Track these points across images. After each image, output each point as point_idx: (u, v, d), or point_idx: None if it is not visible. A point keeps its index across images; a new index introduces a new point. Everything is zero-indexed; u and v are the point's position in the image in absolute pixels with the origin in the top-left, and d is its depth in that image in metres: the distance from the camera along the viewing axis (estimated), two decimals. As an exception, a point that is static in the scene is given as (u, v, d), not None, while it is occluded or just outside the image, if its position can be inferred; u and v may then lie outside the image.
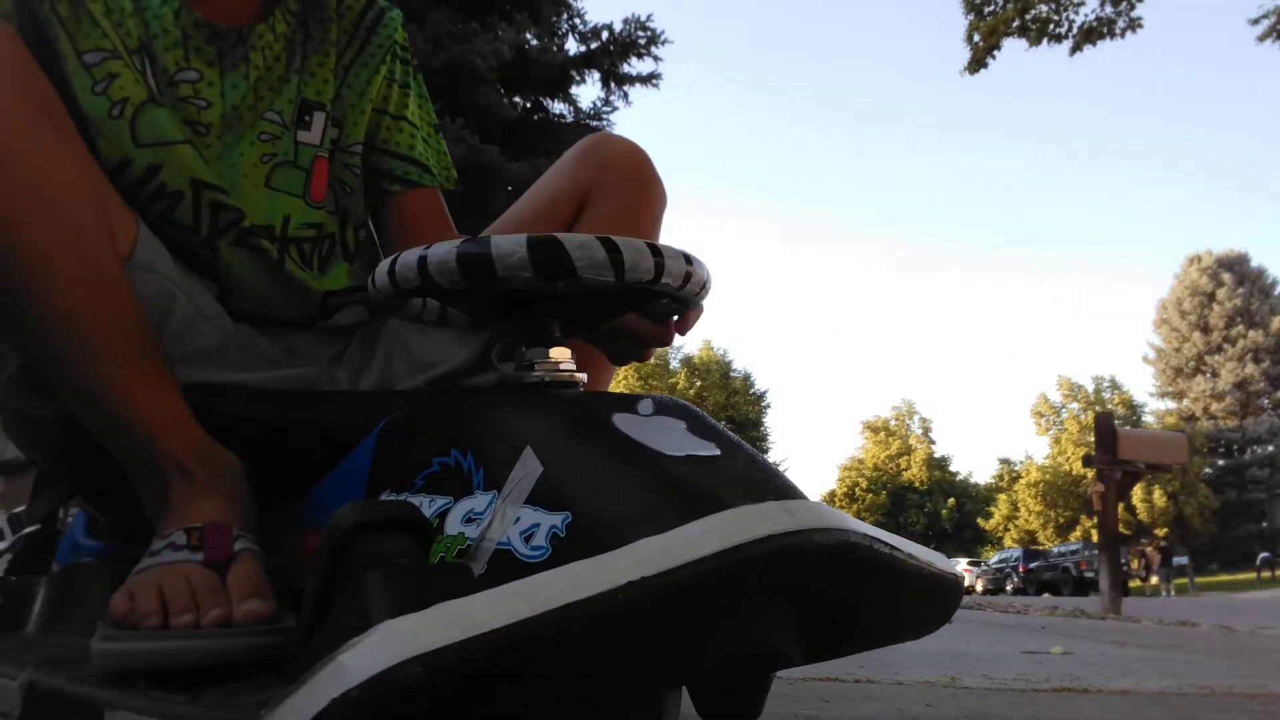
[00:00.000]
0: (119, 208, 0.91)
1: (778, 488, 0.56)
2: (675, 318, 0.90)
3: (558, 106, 8.74)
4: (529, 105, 8.50)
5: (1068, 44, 9.93)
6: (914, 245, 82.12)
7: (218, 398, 0.90)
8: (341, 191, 1.10)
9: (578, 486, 0.58)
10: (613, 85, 8.70)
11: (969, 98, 78.59)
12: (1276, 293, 37.81)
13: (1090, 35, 9.82)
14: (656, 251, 0.67)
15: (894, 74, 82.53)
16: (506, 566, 0.55)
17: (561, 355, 0.73)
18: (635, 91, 8.90)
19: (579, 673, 0.49)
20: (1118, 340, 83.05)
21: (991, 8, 9.96)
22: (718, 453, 0.59)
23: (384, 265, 0.72)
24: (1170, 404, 42.91)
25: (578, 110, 8.72)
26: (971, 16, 10.04)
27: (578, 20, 8.79)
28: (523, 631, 0.44)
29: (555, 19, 8.65)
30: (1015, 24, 9.87)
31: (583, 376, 0.74)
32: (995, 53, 9.99)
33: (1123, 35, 9.84)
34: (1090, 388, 41.73)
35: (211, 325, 0.98)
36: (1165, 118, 75.69)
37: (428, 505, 0.64)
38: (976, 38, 9.96)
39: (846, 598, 0.56)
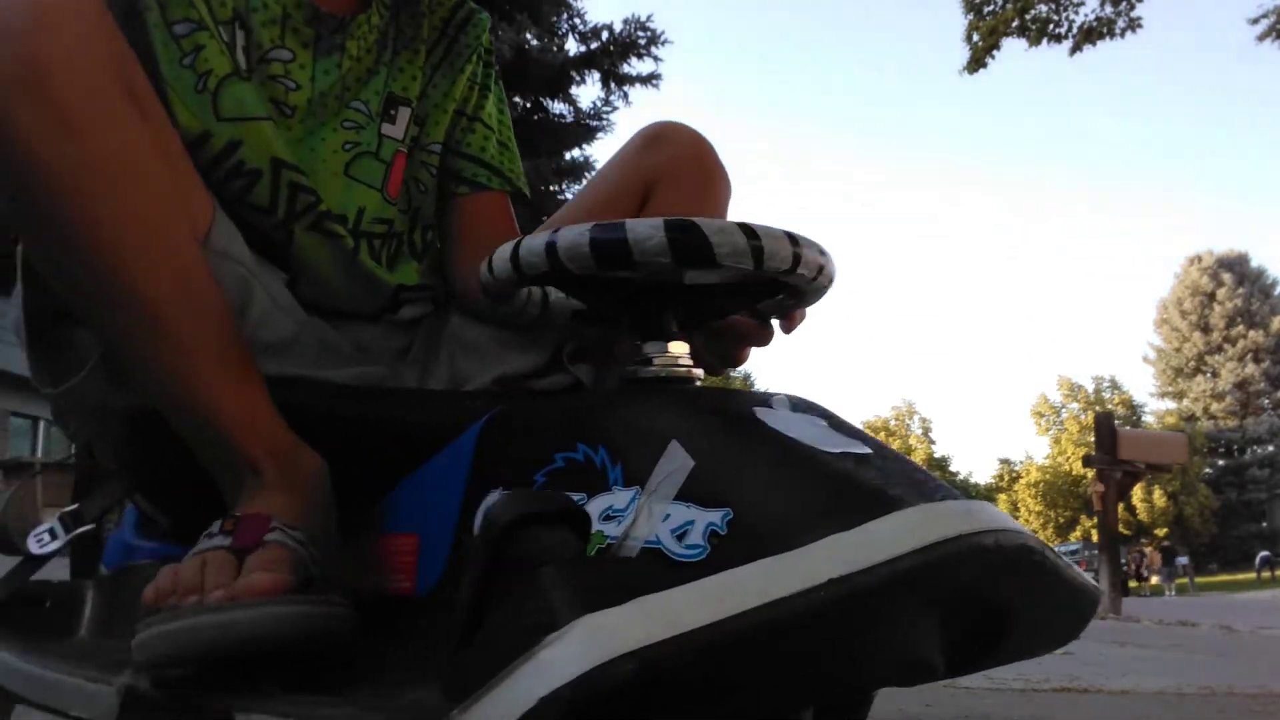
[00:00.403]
0: (198, 188, 0.88)
1: (942, 487, 0.54)
2: (775, 319, 0.88)
3: (558, 106, 8.75)
4: (529, 105, 8.51)
5: (1067, 44, 9.93)
6: (912, 244, 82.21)
7: (298, 392, 0.87)
8: (416, 190, 1.08)
9: (737, 482, 0.55)
10: (613, 85, 8.70)
11: (965, 98, 78.73)
12: (1277, 293, 37.91)
13: (1090, 35, 9.82)
14: (795, 240, 0.65)
15: (887, 83, 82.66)
16: (657, 566, 0.53)
17: (680, 350, 0.70)
18: (635, 92, 8.90)
19: (760, 677, 0.47)
20: (1118, 340, 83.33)
21: (991, 8, 9.95)
22: (869, 450, 0.57)
23: (505, 250, 0.69)
24: (1170, 404, 42.99)
25: (578, 110, 8.73)
26: (971, 16, 10.03)
27: (578, 20, 8.80)
28: (726, 630, 0.42)
29: (555, 19, 8.65)
30: (1015, 24, 9.87)
31: (699, 372, 0.71)
32: (995, 53, 9.99)
33: (1122, 35, 9.85)
34: (1090, 388, 41.78)
35: (286, 316, 0.94)
36: (1165, 117, 75.83)
37: None
38: (976, 37, 9.95)
39: (1006, 604, 0.54)
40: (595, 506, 0.60)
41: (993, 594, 0.52)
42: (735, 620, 0.42)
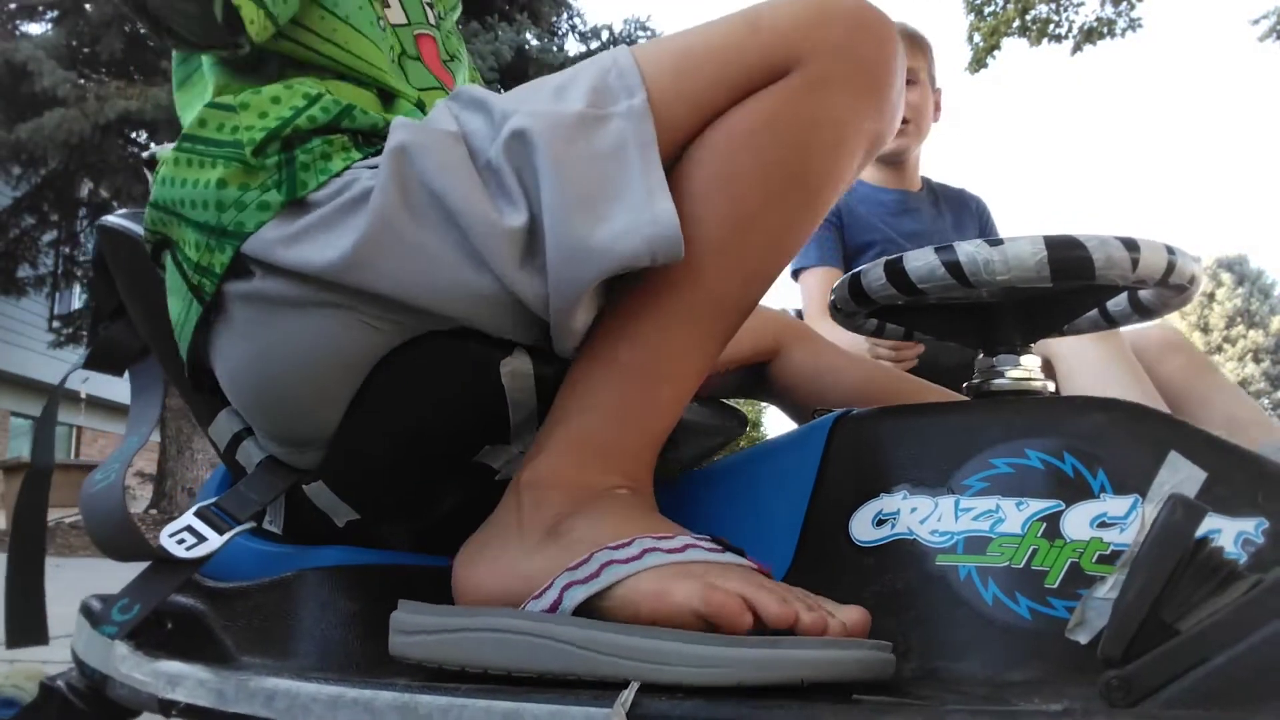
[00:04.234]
0: None
1: None
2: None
3: (558, 107, 8.73)
4: (529, 106, 8.49)
5: (1068, 44, 9.95)
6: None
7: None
8: None
9: (1260, 492, 0.56)
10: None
11: (966, 95, 78.74)
12: (1276, 293, 37.98)
13: (1090, 35, 9.85)
14: (1170, 250, 0.68)
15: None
16: None
17: (1032, 363, 0.71)
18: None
19: None
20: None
21: (992, 8, 9.97)
22: None
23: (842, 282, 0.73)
24: (1169, 403, 43.03)
25: (578, 111, 8.71)
26: (972, 17, 10.05)
27: (578, 20, 8.79)
28: None
29: (555, 19, 8.65)
30: (1016, 24, 9.89)
31: (1051, 386, 0.72)
32: (995, 53, 10.00)
33: (1123, 35, 9.87)
34: (1089, 388, 41.80)
35: None
36: (1163, 118, 75.80)
37: (1014, 508, 0.62)
38: (977, 38, 9.97)
39: None
40: (1080, 513, 0.60)
41: None
42: None
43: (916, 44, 1.84)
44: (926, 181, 1.91)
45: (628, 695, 0.48)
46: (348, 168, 0.69)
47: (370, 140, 0.75)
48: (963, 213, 1.90)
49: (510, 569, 0.62)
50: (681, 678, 0.50)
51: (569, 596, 0.57)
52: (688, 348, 0.66)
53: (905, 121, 1.76)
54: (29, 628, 0.82)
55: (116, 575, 0.73)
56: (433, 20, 0.93)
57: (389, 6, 0.89)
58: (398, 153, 0.65)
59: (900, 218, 1.78)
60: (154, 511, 7.26)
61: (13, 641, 0.81)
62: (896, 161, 1.83)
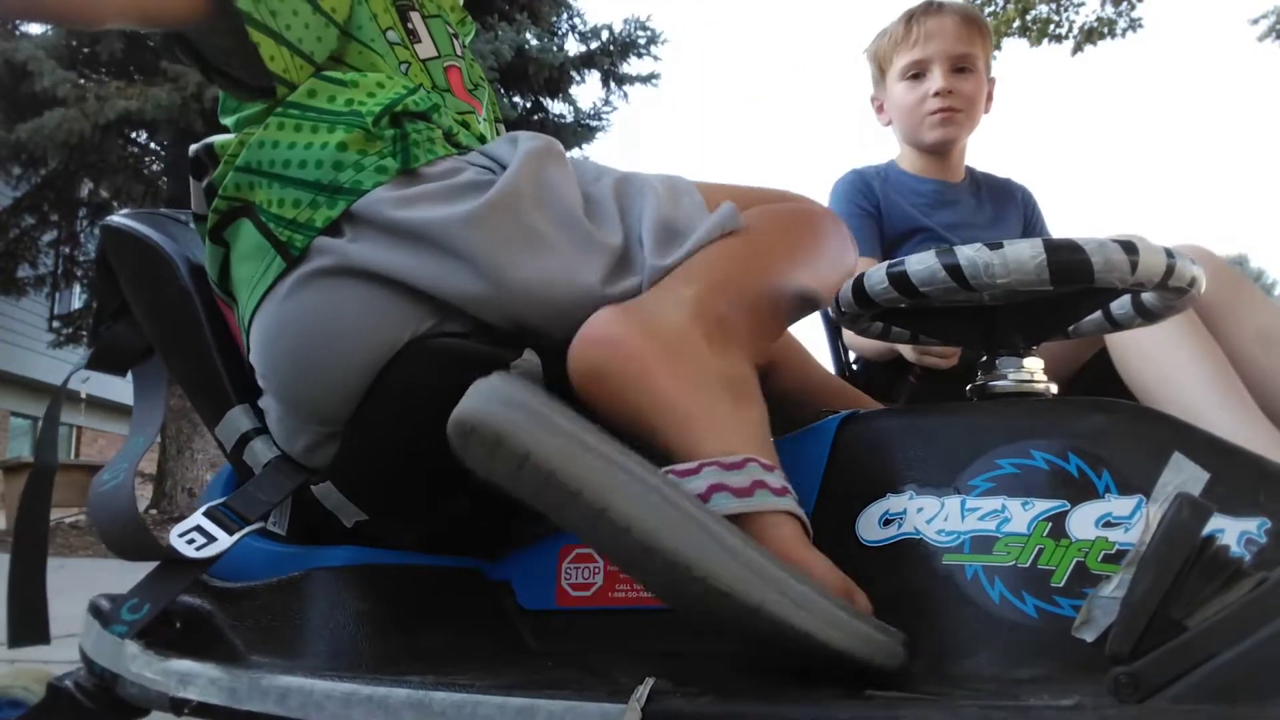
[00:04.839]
0: None
1: None
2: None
3: (557, 106, 8.74)
4: (529, 105, 8.49)
5: (1068, 44, 9.96)
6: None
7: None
8: None
9: (1262, 492, 0.58)
10: (612, 85, 8.70)
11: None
12: (1277, 293, 37.97)
13: (1091, 35, 9.85)
14: (1170, 254, 0.70)
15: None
16: None
17: (1035, 365, 0.73)
18: (635, 91, 8.90)
19: None
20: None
21: (992, 8, 9.98)
22: None
23: (846, 285, 0.78)
24: (1169, 403, 43.00)
25: (577, 110, 8.72)
26: (972, 17, 10.06)
27: (577, 20, 8.80)
28: None
29: (555, 19, 8.65)
30: (1016, 24, 9.90)
31: (1054, 387, 0.73)
32: (995, 53, 10.02)
33: (1123, 35, 9.88)
34: (1089, 388, 41.79)
35: None
36: (1163, 118, 75.86)
37: (1019, 508, 0.63)
38: (978, 38, 9.98)
39: None
40: (1086, 513, 0.61)
41: None
42: None
43: (978, 28, 1.75)
44: (970, 172, 1.84)
45: (643, 691, 0.50)
46: (450, 155, 0.80)
47: (451, 140, 0.83)
48: (1006, 204, 1.84)
49: (690, 372, 0.66)
50: (814, 628, 0.51)
51: (717, 501, 0.58)
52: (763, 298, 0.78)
53: (957, 110, 1.70)
54: (31, 627, 0.84)
55: (117, 575, 0.73)
56: (459, 51, 0.99)
57: (420, 42, 0.95)
58: (532, 154, 0.77)
59: (939, 209, 1.73)
60: (154, 511, 7.26)
61: (15, 641, 0.83)
62: (943, 151, 1.75)
